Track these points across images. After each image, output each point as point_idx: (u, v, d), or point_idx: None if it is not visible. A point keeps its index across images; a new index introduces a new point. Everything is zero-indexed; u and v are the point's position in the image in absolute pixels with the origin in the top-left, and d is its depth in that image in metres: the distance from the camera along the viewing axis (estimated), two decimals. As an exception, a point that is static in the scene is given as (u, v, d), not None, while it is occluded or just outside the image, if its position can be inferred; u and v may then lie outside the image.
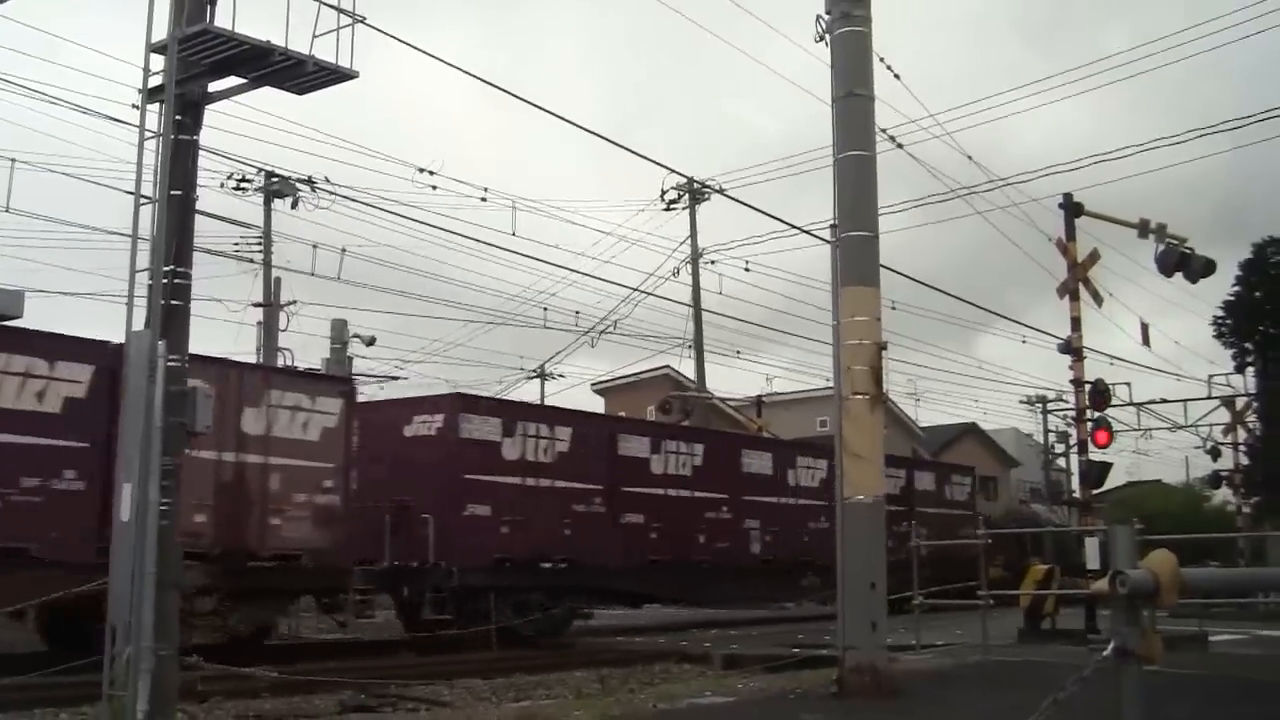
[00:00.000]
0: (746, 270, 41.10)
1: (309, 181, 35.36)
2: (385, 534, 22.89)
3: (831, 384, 15.17)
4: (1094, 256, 24.35)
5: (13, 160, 25.05)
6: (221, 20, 11.36)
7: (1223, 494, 51.03)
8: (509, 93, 16.40)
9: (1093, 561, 21.28)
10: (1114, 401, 26.97)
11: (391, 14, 12.60)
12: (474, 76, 15.42)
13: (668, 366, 55.21)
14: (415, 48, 15.07)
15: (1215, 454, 45.47)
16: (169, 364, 10.84)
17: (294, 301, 39.60)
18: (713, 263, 43.48)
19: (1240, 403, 44.25)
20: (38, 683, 15.06)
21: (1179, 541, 13.85)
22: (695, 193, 42.68)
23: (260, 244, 38.73)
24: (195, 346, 11.82)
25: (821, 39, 14.81)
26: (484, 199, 30.39)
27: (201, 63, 11.47)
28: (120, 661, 10.36)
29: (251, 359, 39.00)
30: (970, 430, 76.69)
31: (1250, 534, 40.45)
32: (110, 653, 10.47)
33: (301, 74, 11.80)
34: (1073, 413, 25.92)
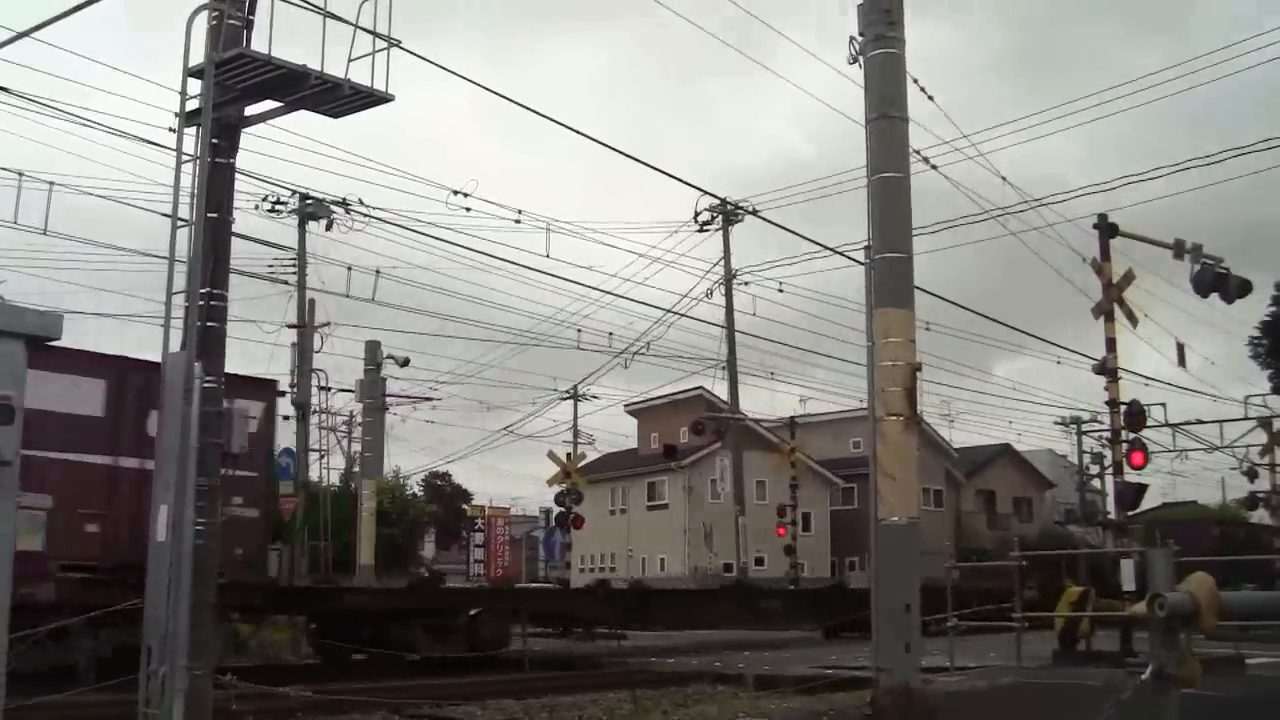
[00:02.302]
0: (780, 291, 41.02)
1: (343, 203, 35.54)
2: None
3: (865, 405, 15.14)
4: (1129, 277, 24.23)
5: (50, 183, 25.23)
6: (258, 45, 11.47)
7: (1259, 515, 50.61)
8: (543, 115, 16.40)
9: (1128, 583, 21.13)
10: (1149, 422, 26.81)
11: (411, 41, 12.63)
12: (505, 98, 15.43)
13: (701, 388, 55.23)
14: (450, 70, 15.10)
15: (1252, 475, 45.18)
16: (205, 385, 10.92)
17: (328, 323, 39.78)
18: (746, 284, 43.51)
19: (1277, 424, 43.90)
20: (75, 701, 15.13)
21: (1214, 564, 13.76)
22: (728, 214, 42.71)
23: (294, 266, 38.93)
24: (231, 368, 11.89)
25: (855, 61, 14.81)
26: (518, 221, 30.37)
27: (238, 87, 11.57)
28: (156, 680, 10.40)
29: (286, 380, 39.22)
30: (1004, 451, 76.42)
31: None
32: (145, 671, 10.51)
33: (337, 97, 11.88)
34: (1108, 434, 25.79)
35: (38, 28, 13.03)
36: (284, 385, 39.32)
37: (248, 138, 12.43)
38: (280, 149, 48.88)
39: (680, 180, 38.95)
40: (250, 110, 12.12)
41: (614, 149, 19.08)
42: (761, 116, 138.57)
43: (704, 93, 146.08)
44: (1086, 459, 65.40)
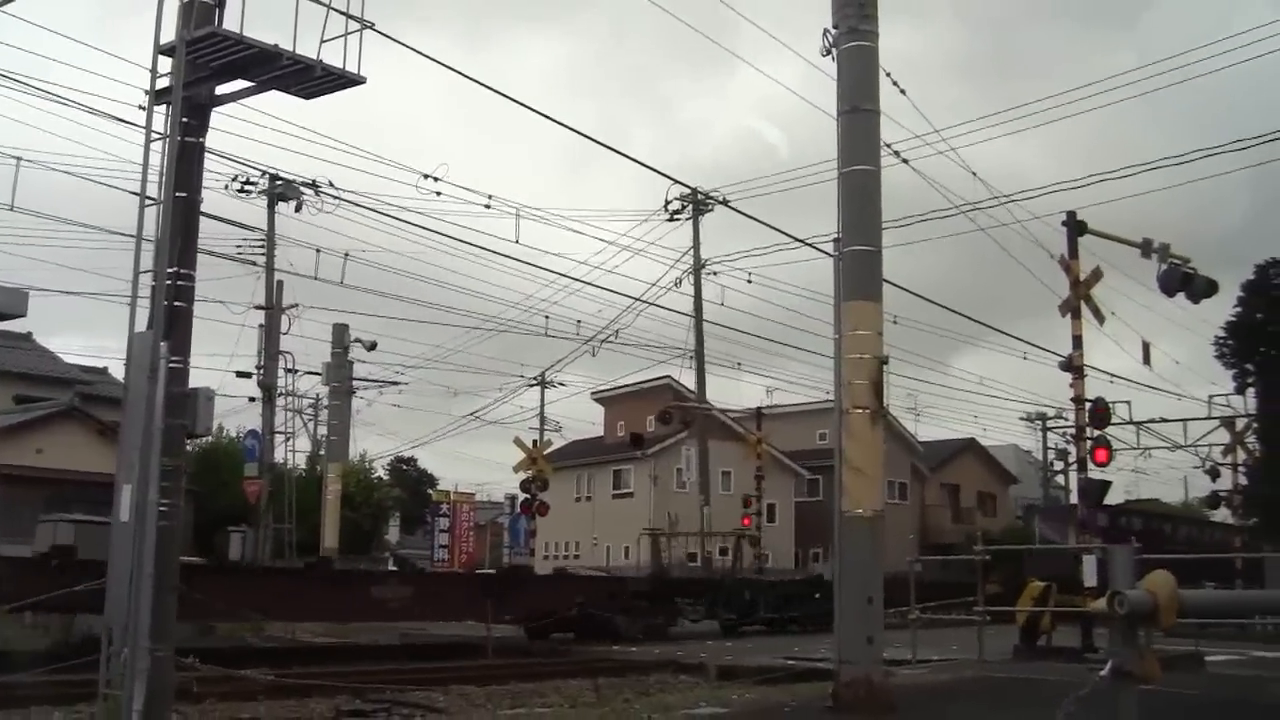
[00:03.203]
0: (749, 282, 41.05)
1: (313, 185, 35.39)
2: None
3: (832, 398, 15.17)
4: (1096, 275, 24.34)
5: (18, 159, 25.06)
6: (230, 23, 11.39)
7: (1221, 514, 50.99)
8: (515, 100, 16.36)
9: (1090, 579, 21.26)
10: (1114, 420, 26.94)
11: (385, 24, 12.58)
12: (476, 81, 15.38)
13: (669, 377, 55.30)
14: (424, 54, 15.06)
15: (1214, 474, 45.50)
16: (171, 365, 10.85)
17: (296, 305, 39.67)
18: (715, 274, 43.57)
19: (1240, 423, 44.22)
20: (34, 680, 15.07)
21: (1176, 562, 13.85)
22: (699, 204, 42.75)
23: (263, 247, 38.77)
24: (196, 348, 11.82)
25: (828, 53, 14.82)
26: (488, 206, 30.27)
27: (209, 65, 11.48)
28: (116, 661, 10.35)
29: (253, 362, 39.07)
30: (969, 446, 76.76)
31: (1248, 554, 40.38)
32: (106, 652, 10.46)
33: (309, 78, 11.80)
34: (1073, 430, 25.92)
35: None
36: (250, 367, 39.33)
37: (218, 117, 12.36)
38: (251, 129, 48.64)
39: (652, 169, 39.03)
40: (221, 90, 12.04)
41: (586, 135, 19.08)
42: (723, 112, 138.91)
43: (666, 88, 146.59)
44: (1051, 455, 65.99)
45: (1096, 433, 24.31)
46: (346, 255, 33.98)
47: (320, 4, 11.55)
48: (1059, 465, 62.82)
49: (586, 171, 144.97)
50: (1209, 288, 24.12)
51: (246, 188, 37.21)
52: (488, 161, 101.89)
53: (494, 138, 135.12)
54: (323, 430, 48.33)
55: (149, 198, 10.97)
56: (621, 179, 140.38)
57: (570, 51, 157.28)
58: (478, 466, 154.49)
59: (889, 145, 20.35)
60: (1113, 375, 36.81)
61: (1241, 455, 44.33)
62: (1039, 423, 65.46)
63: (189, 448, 14.34)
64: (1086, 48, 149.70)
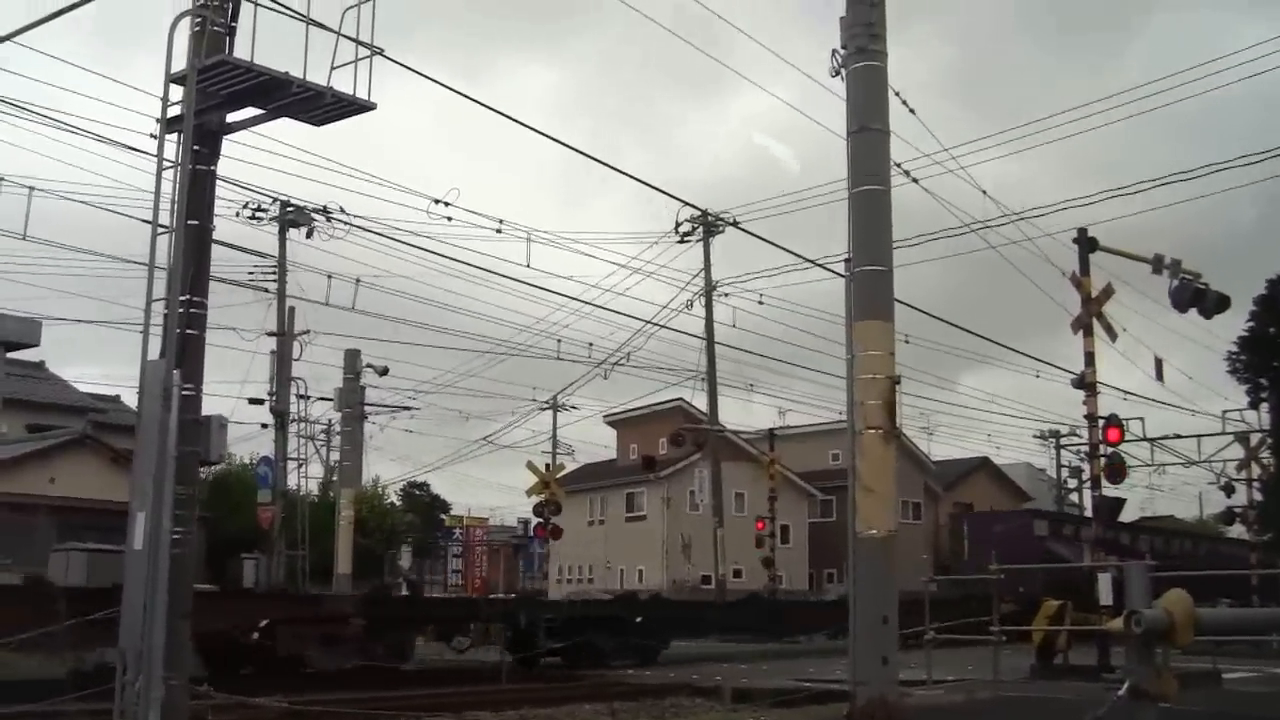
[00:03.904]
0: (760, 303, 41.07)
1: (324, 211, 35.48)
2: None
3: (845, 418, 15.14)
4: (1108, 292, 24.33)
5: (30, 188, 25.15)
6: (240, 51, 11.45)
7: (1236, 530, 50.77)
8: (518, 122, 16.45)
9: (1106, 597, 21.19)
10: (1127, 436, 26.89)
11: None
12: (486, 107, 15.39)
13: (681, 399, 55.30)
14: (430, 78, 15.14)
15: (1229, 490, 45.26)
16: (184, 393, 10.87)
17: (307, 331, 39.73)
18: (726, 295, 43.59)
19: (1255, 439, 44.04)
20: (49, 710, 15.06)
21: (1192, 579, 13.78)
22: (709, 225, 42.78)
23: (274, 273, 38.85)
24: (209, 375, 11.85)
25: (837, 74, 14.82)
26: (499, 230, 30.36)
27: (220, 93, 11.55)
28: (131, 690, 10.35)
29: (265, 388, 39.10)
30: (982, 465, 76.57)
31: (1264, 570, 40.19)
32: (121, 681, 10.46)
33: (319, 105, 11.87)
34: (1086, 448, 25.87)
35: (18, 32, 13.01)
36: (262, 393, 39.37)
37: (229, 144, 12.41)
38: (261, 156, 48.79)
39: (660, 190, 39.07)
40: (232, 117, 12.10)
41: (592, 157, 19.14)
42: (718, 134, 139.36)
43: (659, 111, 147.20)
44: (1065, 473, 65.81)
45: (1110, 450, 24.26)
46: (358, 281, 34.11)
47: (330, 30, 11.61)
48: (1073, 483, 62.74)
49: (581, 197, 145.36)
50: (1221, 303, 24.08)
51: (258, 214, 37.36)
52: (486, 188, 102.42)
53: (490, 165, 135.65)
54: (335, 456, 48.31)
55: (161, 225, 11.00)
56: (615, 204, 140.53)
57: (561, 79, 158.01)
58: (490, 491, 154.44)
59: (899, 164, 20.38)
60: (1126, 392, 36.80)
61: (1256, 470, 44.14)
62: (1052, 440, 65.26)
63: (202, 475, 14.35)
64: (1081, 64, 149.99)
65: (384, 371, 43.60)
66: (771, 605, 40.31)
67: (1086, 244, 24.36)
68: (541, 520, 46.45)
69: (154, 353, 10.94)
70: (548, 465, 47.95)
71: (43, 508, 38.06)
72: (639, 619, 30.74)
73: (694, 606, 40.77)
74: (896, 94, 15.70)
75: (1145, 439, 39.61)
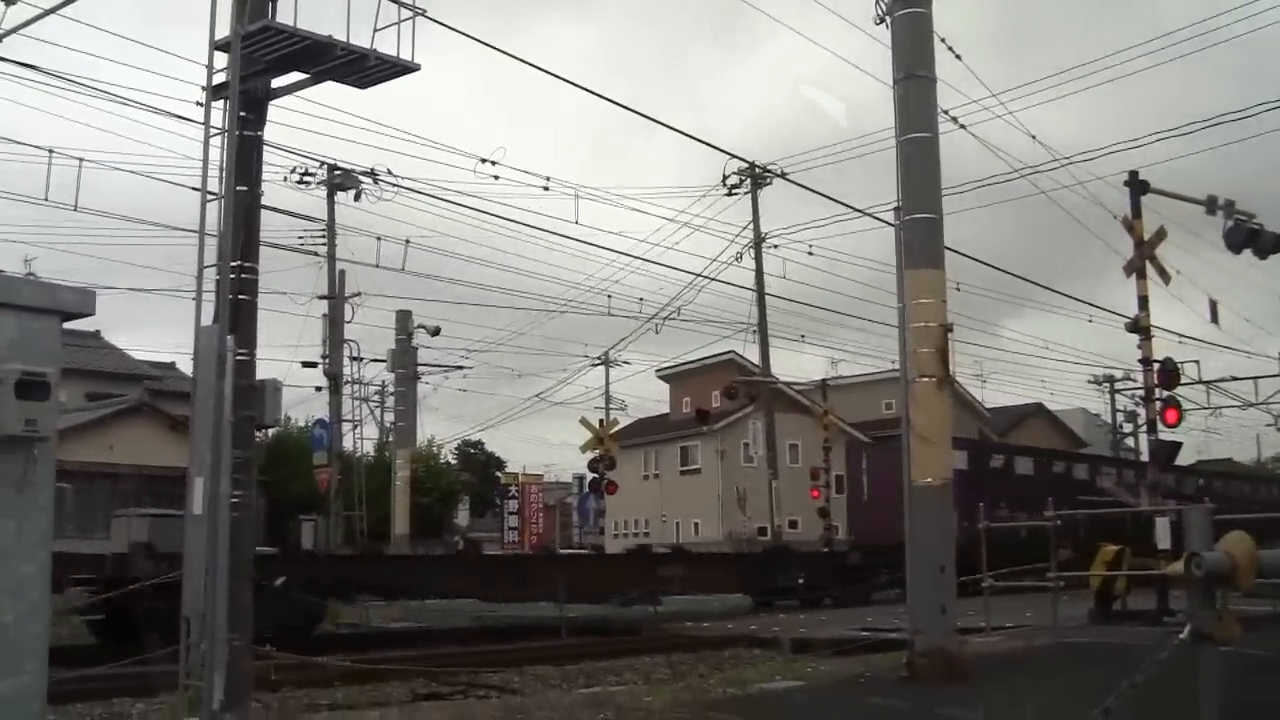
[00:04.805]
0: (810, 254, 40.94)
1: (371, 174, 35.57)
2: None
3: (897, 367, 15.10)
4: (1160, 234, 24.04)
5: (80, 160, 25.32)
6: (284, 16, 11.46)
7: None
8: (561, 78, 16.39)
9: (1164, 541, 21.07)
10: (1183, 380, 26.63)
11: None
12: (525, 62, 15.27)
13: (732, 352, 55.23)
14: (478, 40, 15.10)
15: (1287, 431, 44.90)
16: (238, 358, 10.96)
17: (359, 293, 39.89)
18: (775, 247, 43.45)
19: (1312, 379, 43.59)
20: (116, 673, 15.28)
21: (1252, 521, 13.67)
22: (756, 178, 42.62)
23: (324, 237, 39.02)
24: (262, 340, 11.93)
25: (881, 21, 14.73)
26: (546, 188, 30.32)
27: (264, 59, 11.56)
28: (195, 652, 10.48)
29: (318, 351, 39.37)
30: (1037, 411, 76.15)
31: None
32: (185, 644, 10.59)
33: (363, 68, 11.88)
34: (1141, 392, 25.67)
35: (61, 5, 13.08)
36: (316, 356, 39.65)
37: (275, 110, 12.44)
38: (308, 120, 48.96)
39: (707, 144, 38.91)
40: (277, 82, 12.12)
41: (634, 110, 19.06)
42: (760, 87, 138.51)
43: (697, 66, 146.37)
44: (1120, 417, 65.34)
45: (1165, 393, 24.05)
46: (407, 242, 34.20)
47: (371, -7, 11.61)
48: (1128, 427, 62.33)
49: (620, 153, 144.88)
50: (1277, 243, 23.76)
51: (306, 179, 37.51)
52: (526, 147, 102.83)
53: (528, 124, 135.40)
54: (390, 417, 48.64)
55: (210, 193, 11.05)
56: (654, 160, 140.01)
57: (599, 37, 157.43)
58: (544, 448, 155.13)
59: (946, 111, 20.22)
60: (1180, 335, 36.44)
61: (1314, 411, 43.76)
62: (1107, 385, 64.79)
63: (258, 439, 14.49)
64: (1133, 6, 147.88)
65: (436, 332, 43.78)
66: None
67: (1138, 186, 24.07)
68: (596, 476, 46.62)
69: (207, 319, 11.01)
70: (601, 421, 48.06)
71: (103, 474, 38.56)
72: None
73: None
74: (942, 40, 15.58)
75: (1201, 382, 39.23)
